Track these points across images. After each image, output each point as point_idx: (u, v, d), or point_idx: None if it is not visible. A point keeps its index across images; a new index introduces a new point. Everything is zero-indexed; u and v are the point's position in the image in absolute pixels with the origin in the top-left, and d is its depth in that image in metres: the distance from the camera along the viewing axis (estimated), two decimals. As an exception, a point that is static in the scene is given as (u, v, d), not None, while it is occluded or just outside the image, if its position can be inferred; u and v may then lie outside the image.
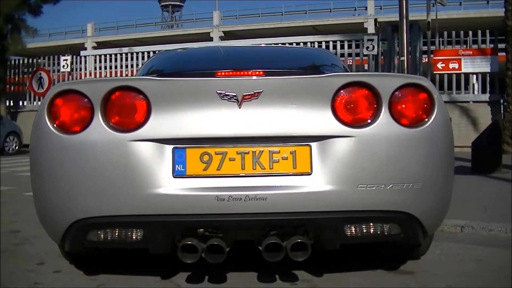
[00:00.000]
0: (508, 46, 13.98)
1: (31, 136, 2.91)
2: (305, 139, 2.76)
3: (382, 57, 16.67)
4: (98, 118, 2.75)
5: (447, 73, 16.15)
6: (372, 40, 16.38)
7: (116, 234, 2.82)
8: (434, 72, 16.18)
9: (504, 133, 12.47)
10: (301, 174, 2.73)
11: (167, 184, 2.70)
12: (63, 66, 20.56)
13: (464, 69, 15.68)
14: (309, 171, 2.72)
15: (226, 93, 2.73)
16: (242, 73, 2.81)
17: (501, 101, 14.56)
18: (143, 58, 19.90)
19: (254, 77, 2.78)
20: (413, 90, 2.86)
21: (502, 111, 14.31)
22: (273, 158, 2.74)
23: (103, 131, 2.74)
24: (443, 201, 3.00)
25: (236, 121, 2.74)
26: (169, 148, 2.74)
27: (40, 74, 20.64)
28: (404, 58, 14.31)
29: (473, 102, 15.52)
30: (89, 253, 3.37)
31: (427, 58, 16.51)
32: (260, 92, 2.74)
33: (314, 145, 2.75)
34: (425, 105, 2.84)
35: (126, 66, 20.29)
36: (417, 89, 2.86)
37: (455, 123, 14.45)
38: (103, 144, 2.73)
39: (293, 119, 2.76)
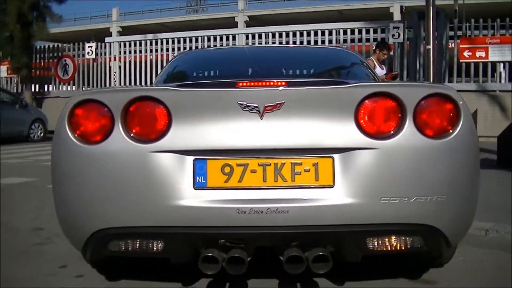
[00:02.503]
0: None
1: (52, 145, 2.92)
2: (328, 151, 2.71)
3: (407, 43, 16.46)
4: (119, 128, 2.74)
5: (473, 62, 15.89)
6: (398, 27, 16.15)
7: (137, 244, 2.83)
8: (461, 61, 15.95)
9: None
10: (324, 187, 2.68)
11: (188, 196, 2.67)
12: (88, 53, 20.70)
13: (491, 58, 15.38)
14: (332, 184, 2.68)
15: (247, 104, 2.70)
16: (264, 83, 2.75)
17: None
18: (167, 43, 19.96)
19: (276, 88, 2.73)
20: (439, 100, 2.79)
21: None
22: (295, 170, 2.70)
23: (123, 141, 2.73)
24: (467, 213, 2.95)
25: (257, 132, 2.70)
26: (190, 159, 2.71)
27: (65, 61, 20.87)
28: (430, 46, 14.19)
29: (500, 91, 15.24)
30: (111, 259, 3.36)
31: (453, 45, 16.20)
32: (282, 103, 2.69)
33: (336, 157, 2.70)
34: (451, 116, 2.78)
35: (151, 51, 20.29)
36: (442, 99, 2.79)
37: (482, 113, 14.27)
38: (124, 154, 2.72)
39: (315, 130, 2.71)
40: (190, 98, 2.78)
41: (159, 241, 2.79)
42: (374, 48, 10.19)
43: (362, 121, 2.73)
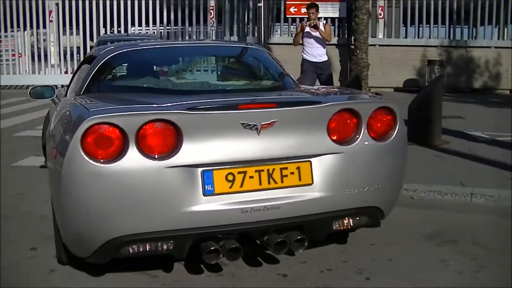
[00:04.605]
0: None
1: (64, 164, 3.01)
2: (307, 157, 3.32)
3: None
4: (134, 148, 3.00)
5: (299, 17, 16.90)
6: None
7: (149, 247, 3.15)
8: (287, 16, 16.90)
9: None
10: (305, 185, 3.30)
11: (199, 202, 3.09)
12: None
13: (316, 14, 16.52)
14: (311, 182, 3.31)
15: (248, 123, 3.16)
16: (260, 105, 3.30)
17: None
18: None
19: (270, 109, 3.26)
20: (384, 111, 3.54)
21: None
22: (283, 174, 3.26)
23: (139, 159, 3.00)
24: (396, 194, 3.83)
25: (255, 146, 3.20)
26: (198, 171, 3.11)
27: None
28: (262, 4, 14.93)
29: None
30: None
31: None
32: (275, 121, 3.21)
33: (313, 160, 3.33)
34: (391, 123, 3.57)
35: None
36: (386, 110, 3.55)
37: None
38: (140, 171, 3.01)
39: (298, 141, 3.30)
40: (199, 119, 3.13)
41: (170, 242, 3.16)
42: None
43: (332, 131, 3.40)
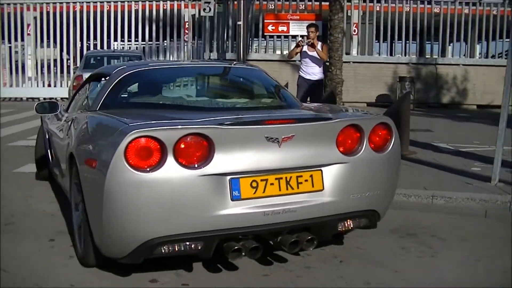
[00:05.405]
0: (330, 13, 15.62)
1: (108, 172, 3.34)
2: (319, 166, 3.76)
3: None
4: (172, 159, 3.37)
5: (276, 35, 17.67)
6: (209, 2, 17.27)
7: (180, 247, 3.50)
8: (265, 34, 17.64)
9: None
10: (317, 191, 3.74)
11: (227, 206, 3.49)
12: None
13: (292, 32, 17.40)
14: (322, 188, 3.75)
15: (271, 137, 3.58)
16: (282, 121, 3.75)
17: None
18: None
19: (290, 125, 3.71)
20: (382, 126, 4.03)
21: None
22: (299, 181, 3.69)
23: (176, 169, 3.38)
24: (391, 198, 4.29)
25: (276, 157, 3.62)
26: (227, 178, 3.50)
27: None
28: (241, 22, 15.57)
29: (299, 61, 17.06)
30: None
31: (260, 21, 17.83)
32: (293, 135, 3.64)
33: (324, 169, 3.77)
34: (389, 137, 4.06)
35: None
36: (384, 125, 4.04)
37: (284, 80, 15.97)
38: (176, 179, 3.38)
39: (312, 152, 3.73)
40: (229, 133, 3.53)
41: (200, 243, 3.51)
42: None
43: (340, 144, 3.84)
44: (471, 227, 5.16)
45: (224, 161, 3.48)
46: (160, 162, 3.36)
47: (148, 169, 3.34)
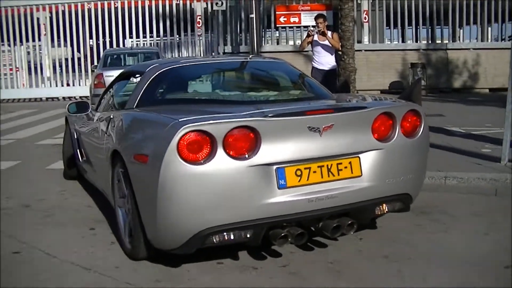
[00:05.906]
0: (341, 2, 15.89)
1: (161, 166, 3.49)
2: (356, 153, 3.94)
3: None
4: (222, 151, 3.52)
5: (288, 26, 17.96)
6: (221, -5, 17.58)
7: (231, 235, 3.66)
8: (277, 25, 17.93)
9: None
10: (356, 177, 3.91)
11: (275, 194, 3.64)
12: None
13: (304, 22, 17.64)
14: (360, 174, 3.93)
15: (313, 127, 3.73)
16: (322, 111, 3.97)
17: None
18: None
19: (329, 114, 3.90)
20: (412, 113, 4.21)
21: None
22: (339, 168, 3.86)
23: (226, 160, 3.53)
24: (421, 181, 4.51)
25: (318, 145, 3.77)
26: (273, 168, 3.66)
27: None
28: (253, 15, 15.87)
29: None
30: None
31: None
32: (333, 124, 3.80)
33: (361, 156, 3.95)
34: (419, 123, 4.24)
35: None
36: (414, 112, 4.22)
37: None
38: (226, 170, 3.54)
39: (350, 140, 3.90)
40: (275, 124, 3.67)
41: (249, 231, 3.67)
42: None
43: (375, 131, 4.02)
44: (482, 205, 5.49)
45: (270, 151, 3.64)
46: (211, 155, 3.51)
47: (199, 162, 3.50)
